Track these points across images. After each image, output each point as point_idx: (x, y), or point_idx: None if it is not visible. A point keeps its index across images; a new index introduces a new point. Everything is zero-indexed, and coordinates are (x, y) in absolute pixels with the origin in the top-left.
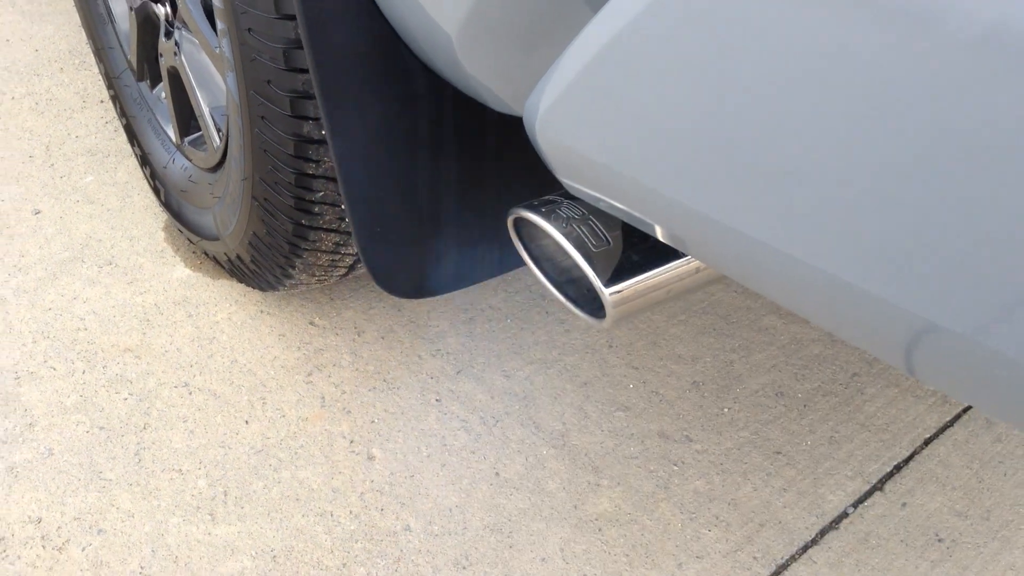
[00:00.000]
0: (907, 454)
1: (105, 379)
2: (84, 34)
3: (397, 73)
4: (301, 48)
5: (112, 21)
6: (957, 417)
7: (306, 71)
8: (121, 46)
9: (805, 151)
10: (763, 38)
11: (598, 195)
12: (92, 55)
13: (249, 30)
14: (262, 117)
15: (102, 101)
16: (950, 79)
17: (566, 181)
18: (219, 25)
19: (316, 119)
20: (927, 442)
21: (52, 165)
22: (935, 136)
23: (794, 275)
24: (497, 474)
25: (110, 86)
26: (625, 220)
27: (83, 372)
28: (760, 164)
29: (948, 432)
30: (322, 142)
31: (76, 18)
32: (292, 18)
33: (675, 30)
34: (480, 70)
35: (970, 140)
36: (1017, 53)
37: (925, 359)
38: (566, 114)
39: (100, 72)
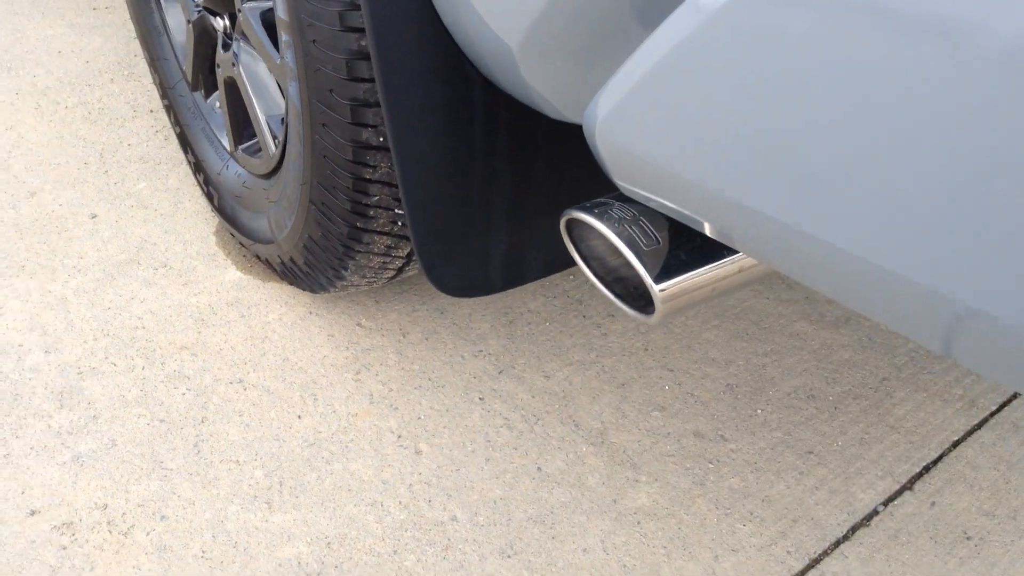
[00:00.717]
0: (936, 455)
1: (164, 375)
2: (131, 47)
3: (457, 83)
4: (363, 59)
5: (168, 33)
6: (984, 421)
7: (367, 80)
8: (176, 57)
9: (845, 147)
10: (804, 49)
11: (652, 195)
12: (140, 66)
13: (313, 42)
14: (323, 124)
15: (152, 111)
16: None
17: (621, 183)
18: (283, 37)
19: (375, 126)
20: (955, 444)
21: (106, 172)
22: (973, 131)
23: (841, 266)
24: (539, 469)
25: (164, 96)
26: (676, 218)
27: (143, 368)
28: (801, 162)
29: (976, 435)
30: (380, 148)
31: (124, 31)
32: (355, 31)
33: (723, 44)
34: (539, 81)
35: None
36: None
37: (964, 343)
38: (625, 120)
39: (155, 82)
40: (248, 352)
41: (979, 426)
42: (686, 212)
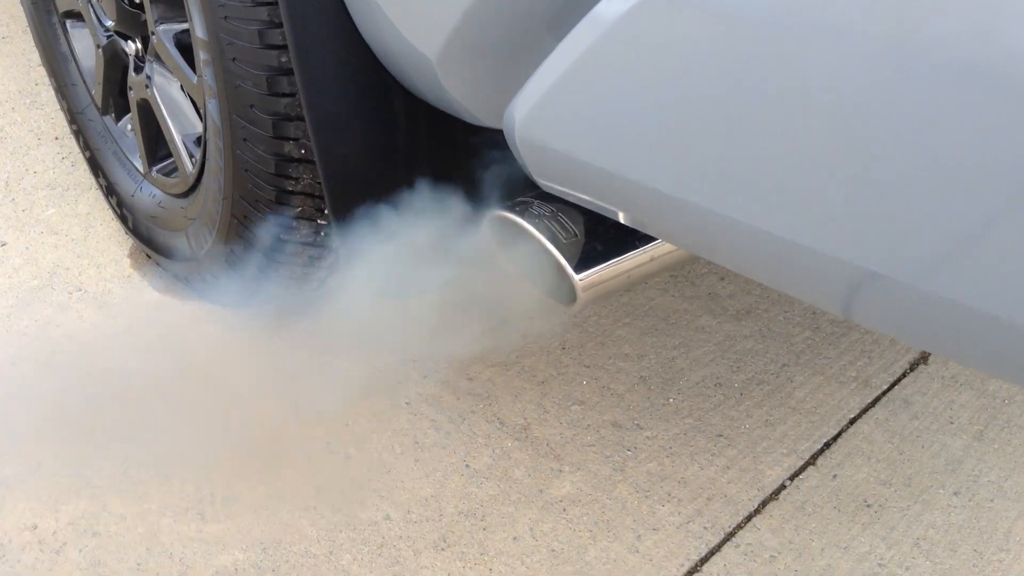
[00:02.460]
0: (835, 432)
1: (84, 397)
2: (32, 75)
3: (378, 94)
4: (283, 74)
5: (75, 58)
6: (877, 399)
7: (288, 95)
8: (84, 82)
9: (731, 131)
10: (691, 49)
11: (568, 188)
12: (43, 95)
13: (233, 59)
14: (244, 139)
15: (57, 138)
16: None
17: (540, 180)
18: (201, 56)
19: (296, 139)
20: (852, 421)
21: (13, 200)
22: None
23: (740, 239)
24: (467, 466)
25: (72, 121)
26: (593, 209)
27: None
28: (696, 149)
29: (870, 412)
30: (302, 161)
31: (24, 60)
32: (275, 47)
33: (622, 50)
34: (458, 90)
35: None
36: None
37: (856, 304)
38: (541, 120)
39: (62, 108)
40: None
41: (873, 404)
42: (599, 201)
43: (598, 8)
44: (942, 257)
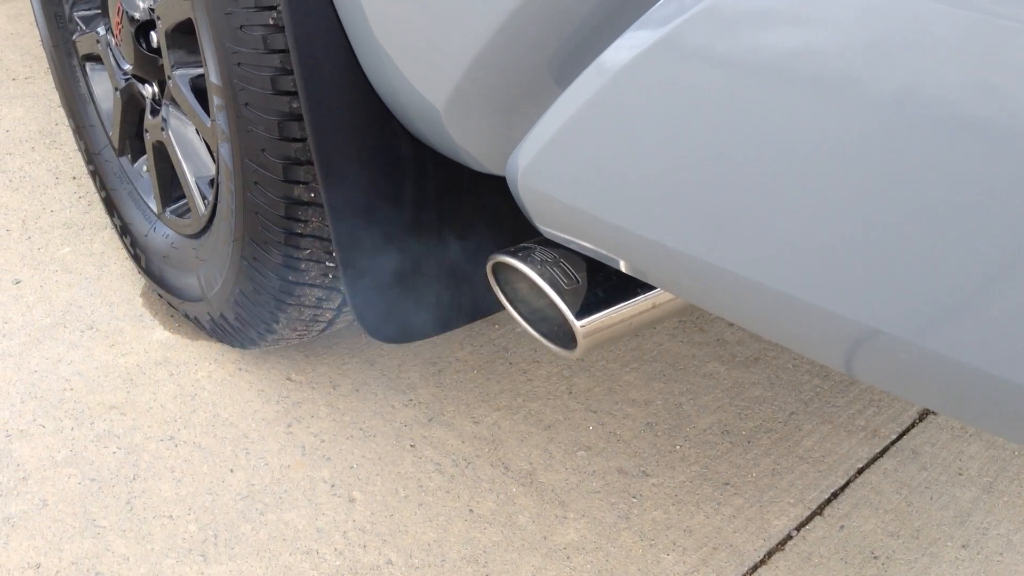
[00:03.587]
0: (843, 482)
1: (93, 435)
2: (53, 115)
3: (385, 140)
4: (294, 120)
5: (94, 100)
6: (886, 449)
7: (298, 140)
8: (102, 124)
9: (735, 185)
10: (693, 103)
11: (570, 236)
12: (62, 135)
13: (246, 105)
14: (255, 183)
15: (74, 178)
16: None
17: (542, 227)
18: (215, 101)
19: (306, 183)
20: (860, 471)
21: (29, 238)
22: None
23: (748, 295)
24: (471, 511)
25: (90, 161)
26: (594, 257)
27: (72, 429)
28: (698, 201)
29: (879, 462)
30: (311, 204)
31: (44, 100)
32: (287, 94)
33: (624, 101)
34: (463, 138)
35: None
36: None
37: (857, 360)
38: (543, 170)
39: (80, 149)
40: (178, 410)
41: (881, 454)
42: (601, 250)
43: (598, 62)
44: (939, 315)
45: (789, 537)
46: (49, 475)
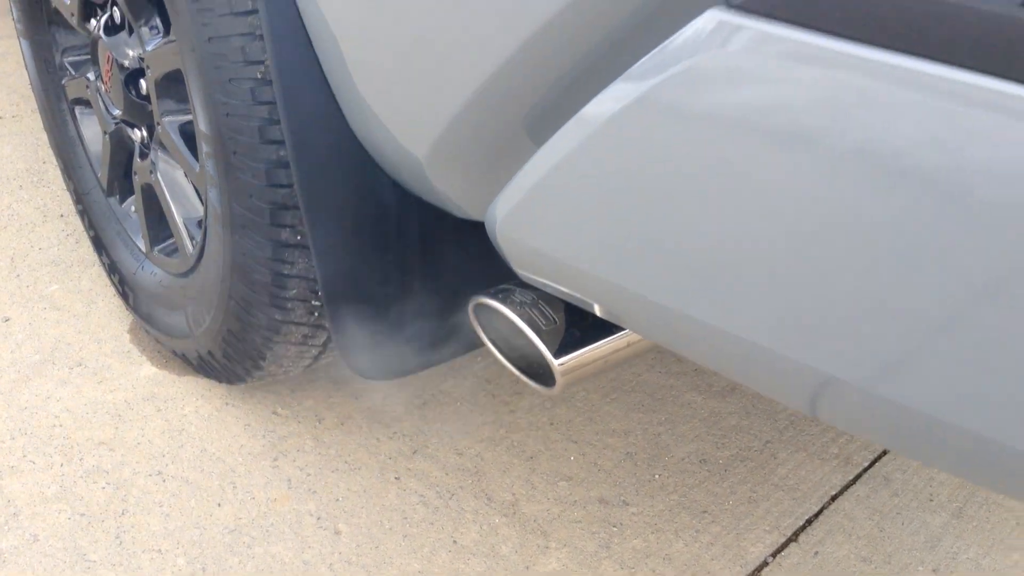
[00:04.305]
0: (816, 509)
1: (82, 470)
2: (40, 154)
3: (370, 185)
4: (281, 167)
5: (83, 143)
6: (858, 476)
7: (285, 186)
8: (91, 165)
9: (706, 238)
10: (663, 159)
11: (546, 281)
12: (49, 173)
13: (234, 153)
14: (243, 226)
15: (62, 215)
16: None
17: (520, 271)
18: (204, 148)
19: (292, 226)
20: (833, 498)
21: (18, 275)
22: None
23: (714, 341)
24: (455, 542)
25: (78, 201)
26: (569, 301)
27: (61, 464)
28: (670, 253)
29: (851, 489)
30: (297, 246)
31: (31, 139)
32: (274, 143)
33: (594, 159)
34: (444, 186)
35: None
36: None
37: (816, 403)
38: (520, 220)
39: (68, 189)
40: (166, 445)
41: (854, 481)
42: (575, 295)
43: (571, 122)
44: (892, 364)
45: (765, 564)
46: (39, 510)
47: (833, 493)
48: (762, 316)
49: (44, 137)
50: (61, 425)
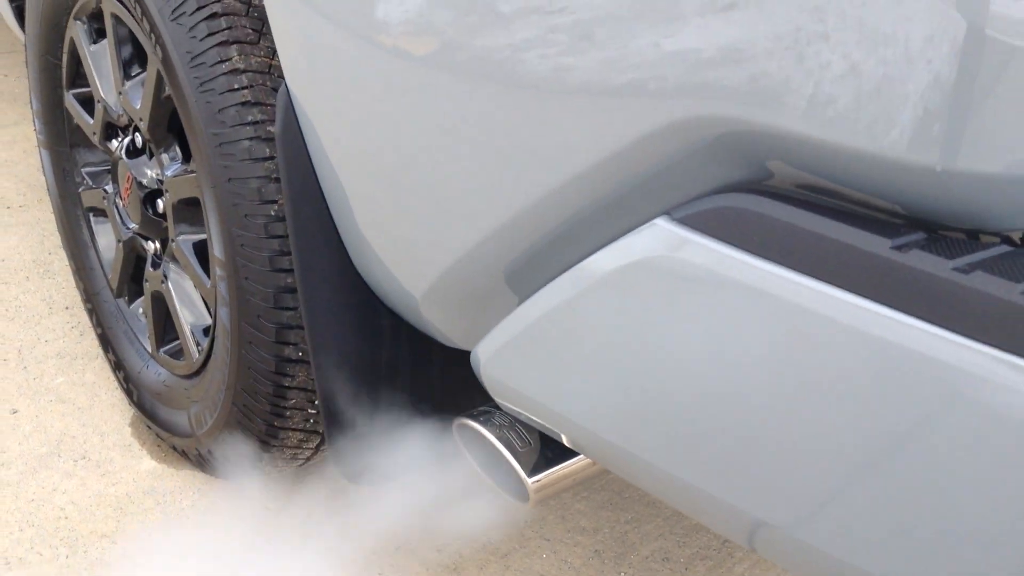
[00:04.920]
0: None
1: (87, 562)
2: (46, 244)
3: (368, 313)
4: (288, 292)
5: (95, 247)
6: None
7: (291, 309)
8: (102, 267)
9: (672, 391)
10: (647, 326)
11: (523, 413)
12: (56, 264)
13: (246, 278)
14: (250, 342)
15: (67, 307)
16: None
17: (500, 401)
18: (217, 272)
19: (295, 344)
20: None
21: (25, 368)
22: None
23: (667, 480)
24: None
25: (88, 300)
26: (541, 431)
27: (66, 556)
28: (638, 407)
29: None
30: (299, 361)
31: (38, 229)
32: (283, 271)
33: (564, 323)
34: (436, 320)
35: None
36: None
37: (749, 538)
38: (502, 363)
39: (79, 288)
40: (164, 538)
41: None
42: (547, 427)
43: (547, 288)
44: (813, 511)
45: None
46: None
47: None
48: (705, 462)
49: (50, 227)
50: (67, 517)
